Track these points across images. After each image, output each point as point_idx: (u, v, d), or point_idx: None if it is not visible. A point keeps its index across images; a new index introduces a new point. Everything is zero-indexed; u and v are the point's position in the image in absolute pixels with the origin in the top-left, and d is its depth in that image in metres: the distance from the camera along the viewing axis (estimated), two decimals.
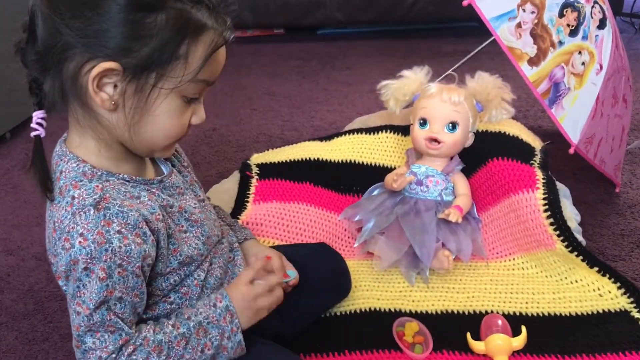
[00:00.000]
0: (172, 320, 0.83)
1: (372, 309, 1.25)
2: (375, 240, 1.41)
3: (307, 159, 1.61)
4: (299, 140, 1.74)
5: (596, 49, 1.48)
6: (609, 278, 1.28)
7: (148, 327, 0.81)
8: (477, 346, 1.14)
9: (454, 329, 1.19)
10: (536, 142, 1.51)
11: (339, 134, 1.69)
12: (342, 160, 1.61)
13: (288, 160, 1.61)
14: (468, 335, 1.16)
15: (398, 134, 1.63)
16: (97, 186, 0.74)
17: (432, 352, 1.11)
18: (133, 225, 0.74)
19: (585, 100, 1.45)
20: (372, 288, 1.31)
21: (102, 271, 0.72)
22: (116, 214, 0.73)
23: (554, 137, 1.63)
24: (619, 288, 1.25)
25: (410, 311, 1.25)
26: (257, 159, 1.65)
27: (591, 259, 1.30)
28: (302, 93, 2.70)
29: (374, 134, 1.65)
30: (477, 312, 1.25)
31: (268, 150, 1.72)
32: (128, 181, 0.79)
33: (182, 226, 0.85)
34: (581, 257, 1.30)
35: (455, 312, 1.26)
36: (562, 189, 1.45)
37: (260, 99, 2.63)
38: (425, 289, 1.31)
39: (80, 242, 0.71)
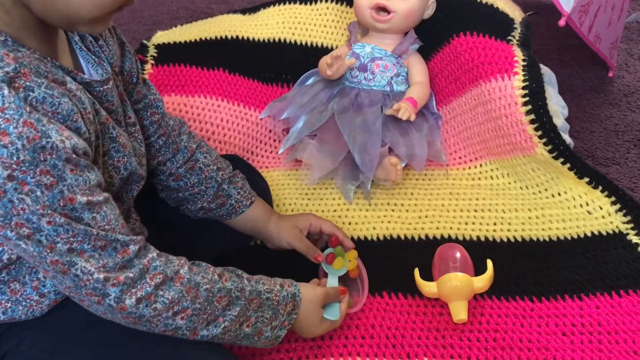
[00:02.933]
0: (219, 269, 0.72)
1: None
2: (305, 144, 1.18)
3: (223, 37, 1.35)
4: None
5: None
6: (602, 191, 1.06)
7: (181, 259, 0.68)
8: (428, 288, 0.90)
9: (399, 262, 0.97)
10: (515, 13, 1.27)
11: (266, 4, 1.44)
12: (268, 39, 1.37)
13: (197, 40, 1.33)
14: (416, 272, 0.92)
15: (342, 4, 1.39)
16: (7, 54, 0.54)
17: (368, 295, 0.91)
18: (65, 116, 0.56)
19: None
20: (300, 206, 1.12)
21: (47, 175, 0.54)
22: (42, 99, 0.55)
23: (537, 8, 1.45)
24: (612, 203, 1.05)
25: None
26: (159, 38, 1.36)
27: (581, 167, 1.07)
28: None
29: (310, 3, 1.41)
30: (431, 237, 1.04)
31: (177, 27, 1.43)
32: (46, 60, 0.60)
33: (104, 145, 0.67)
34: (568, 165, 1.06)
35: (403, 237, 1.04)
36: (547, 74, 1.20)
37: None
38: (365, 207, 1.11)
39: None
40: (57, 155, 0.55)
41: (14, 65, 0.53)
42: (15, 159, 0.52)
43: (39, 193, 0.54)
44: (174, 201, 0.89)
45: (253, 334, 0.73)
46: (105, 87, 0.67)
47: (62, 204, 0.56)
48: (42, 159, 0.54)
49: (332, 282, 0.88)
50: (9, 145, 0.51)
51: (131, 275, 0.61)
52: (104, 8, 0.58)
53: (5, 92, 0.52)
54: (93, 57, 0.69)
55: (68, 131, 0.56)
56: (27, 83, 0.54)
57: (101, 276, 0.59)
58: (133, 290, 0.62)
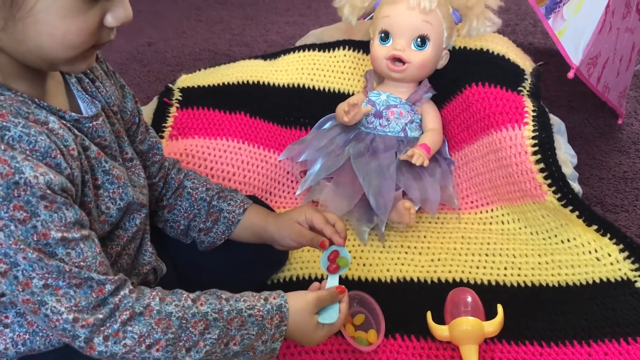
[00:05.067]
0: (195, 293, 0.70)
1: (312, 276, 1.06)
2: (322, 186, 1.21)
3: (245, 82, 1.37)
4: (248, 58, 1.51)
5: None
6: (610, 238, 1.07)
7: (153, 292, 0.67)
8: (440, 331, 0.92)
9: (412, 305, 0.99)
10: (526, 63, 1.29)
11: (286, 51, 1.46)
12: (288, 85, 1.39)
13: (220, 84, 1.36)
14: (429, 315, 0.94)
15: (359, 51, 1.41)
16: None
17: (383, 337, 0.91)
18: (43, 153, 0.58)
19: (592, 9, 1.23)
20: (314, 248, 1.07)
21: (20, 210, 0.55)
22: (19, 137, 0.56)
23: (548, 58, 1.48)
24: (621, 251, 1.06)
25: (360, 279, 1.06)
26: (183, 81, 1.39)
27: (589, 215, 1.08)
28: (259, 2, 2.45)
29: (329, 51, 1.43)
30: (443, 280, 1.05)
31: (201, 70, 1.46)
32: (30, 102, 0.62)
33: (97, 179, 0.68)
34: (577, 213, 1.08)
35: (416, 280, 1.06)
36: (557, 123, 1.22)
37: (209, 9, 2.38)
38: (380, 249, 1.12)
39: None
40: (31, 192, 0.55)
41: None
42: None
43: (12, 227, 0.55)
44: (183, 235, 0.90)
45: (246, 350, 0.71)
46: (94, 122, 0.69)
47: (35, 239, 0.56)
48: (15, 194, 0.55)
49: (332, 282, 0.83)
50: None
51: (101, 316, 0.61)
52: (75, 48, 0.60)
53: None
54: (87, 96, 0.72)
55: (45, 167, 0.57)
56: (4, 123, 0.56)
57: (70, 317, 0.59)
58: (101, 328, 0.61)
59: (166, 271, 0.85)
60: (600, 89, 1.35)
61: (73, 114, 0.66)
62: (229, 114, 1.29)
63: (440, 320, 0.93)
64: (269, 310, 0.72)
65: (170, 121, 1.25)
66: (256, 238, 0.91)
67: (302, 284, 1.03)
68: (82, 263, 0.60)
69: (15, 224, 0.55)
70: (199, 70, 1.45)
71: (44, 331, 0.67)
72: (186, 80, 1.38)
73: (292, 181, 1.29)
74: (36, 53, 0.60)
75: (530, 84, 1.20)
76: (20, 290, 0.57)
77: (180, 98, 1.30)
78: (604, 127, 1.52)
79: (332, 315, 0.77)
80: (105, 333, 0.61)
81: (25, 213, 0.56)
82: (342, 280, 1.00)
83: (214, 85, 1.34)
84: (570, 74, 1.21)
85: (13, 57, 0.60)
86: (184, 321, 0.66)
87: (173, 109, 1.28)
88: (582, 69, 1.23)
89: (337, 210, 1.14)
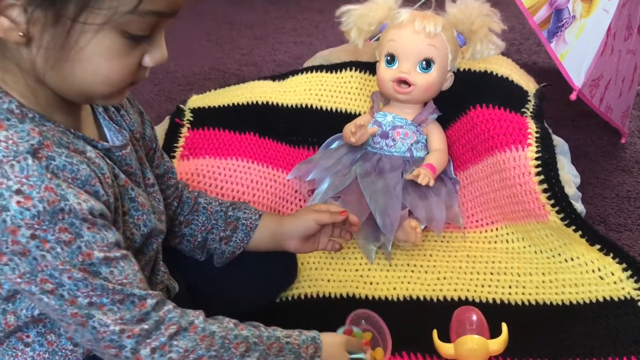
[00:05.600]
0: (235, 320, 0.73)
1: (320, 294, 1.08)
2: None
3: (254, 102, 1.39)
4: (257, 78, 1.55)
5: None
6: (613, 257, 1.08)
7: (196, 312, 0.70)
8: (445, 349, 0.94)
9: (418, 323, 1.00)
10: (530, 85, 1.31)
11: (294, 72, 1.48)
12: (296, 105, 1.41)
13: (230, 105, 1.38)
14: (434, 333, 0.96)
15: (365, 72, 1.43)
16: (33, 129, 0.60)
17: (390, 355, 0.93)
18: (84, 181, 0.61)
19: (594, 32, 1.25)
20: (322, 266, 1.15)
21: (65, 232, 0.58)
22: (63, 166, 0.59)
23: (552, 77, 1.46)
24: (624, 270, 1.06)
25: (367, 297, 1.08)
26: (194, 102, 1.42)
27: (592, 235, 1.10)
28: (267, 22, 2.46)
29: (336, 72, 1.45)
30: (449, 299, 1.07)
31: (211, 91, 1.48)
32: (68, 132, 0.65)
33: (124, 205, 0.71)
34: (580, 232, 1.09)
35: (422, 298, 1.07)
36: (560, 144, 1.23)
37: (218, 29, 2.40)
38: (386, 267, 1.14)
39: (18, 202, 0.56)
40: (75, 215, 0.58)
41: (38, 138, 0.59)
42: (36, 219, 0.57)
43: (59, 249, 0.58)
44: (199, 249, 0.93)
45: None
46: (123, 151, 0.72)
47: (80, 259, 0.59)
48: (60, 217, 0.58)
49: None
50: (32, 207, 0.56)
51: (146, 327, 0.63)
52: (114, 85, 0.63)
53: (30, 161, 0.57)
54: (114, 125, 0.75)
55: (86, 195, 0.60)
56: (49, 153, 0.59)
57: (117, 328, 0.62)
58: (148, 340, 0.63)
59: (178, 290, 0.87)
60: (603, 110, 1.37)
61: (105, 143, 0.70)
62: (238, 134, 1.32)
63: (445, 338, 0.95)
64: (304, 340, 0.76)
65: (181, 141, 1.28)
66: (272, 242, 0.94)
67: (310, 302, 1.05)
68: (124, 280, 0.63)
69: (62, 246, 0.58)
70: (209, 90, 1.47)
71: (63, 350, 0.69)
72: (197, 100, 1.41)
73: (300, 200, 1.30)
74: (78, 89, 0.63)
75: (533, 105, 1.22)
76: (68, 304, 0.60)
77: (191, 118, 1.33)
78: (608, 146, 1.52)
79: (362, 355, 0.84)
80: (152, 345, 0.64)
81: (70, 235, 0.59)
82: (350, 299, 1.03)
83: (224, 105, 1.37)
84: (573, 96, 1.23)
85: (55, 91, 0.63)
86: (227, 341, 0.68)
87: (184, 129, 1.30)
88: (585, 91, 1.25)
89: None
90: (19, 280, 0.58)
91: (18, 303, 0.66)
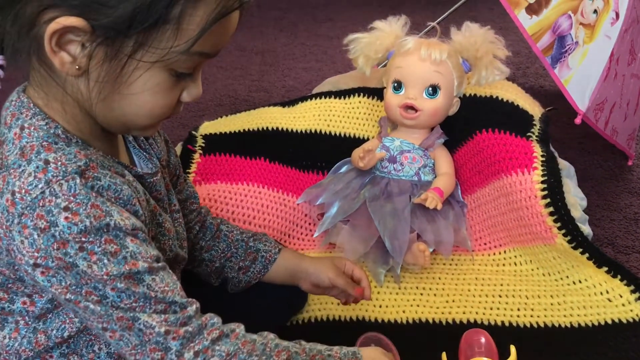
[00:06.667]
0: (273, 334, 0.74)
1: (330, 318, 1.09)
2: (339, 229, 1.23)
3: (264, 128, 1.41)
4: (267, 103, 1.57)
5: None
6: (621, 279, 1.08)
7: (236, 323, 0.71)
8: None
9: (427, 346, 1.00)
10: (535, 109, 1.32)
11: (304, 98, 1.50)
12: (305, 130, 1.42)
13: (240, 131, 1.40)
14: (444, 356, 0.96)
15: (373, 98, 1.44)
16: (79, 152, 0.63)
17: None
18: (126, 201, 0.64)
19: (597, 58, 1.28)
20: (336, 299, 1.11)
21: (111, 243, 0.61)
22: (107, 187, 0.63)
23: (558, 100, 1.43)
24: (632, 292, 1.07)
25: (377, 320, 1.09)
26: (206, 128, 1.44)
27: (599, 257, 1.10)
28: (277, 48, 2.50)
29: (344, 98, 1.46)
30: (458, 322, 1.07)
31: (222, 117, 1.51)
32: (107, 157, 0.68)
33: (152, 230, 0.73)
34: (587, 255, 1.10)
35: (431, 321, 1.08)
36: (566, 168, 1.25)
37: (228, 55, 2.42)
38: (395, 290, 1.15)
39: (67, 218, 0.59)
40: (119, 229, 0.61)
41: (84, 160, 0.62)
42: (84, 233, 0.59)
43: (105, 260, 0.60)
44: (215, 274, 0.94)
45: None
46: (154, 178, 0.75)
47: (127, 269, 0.61)
48: (106, 231, 0.60)
49: None
50: (79, 223, 0.59)
51: (190, 329, 0.65)
52: (155, 118, 0.67)
53: (78, 181, 0.60)
54: (144, 153, 0.78)
55: (127, 213, 0.63)
56: (95, 174, 0.62)
57: (162, 329, 0.63)
58: (191, 344, 0.65)
59: None
60: (609, 133, 1.38)
61: (137, 169, 0.73)
62: (249, 160, 1.34)
63: None
64: (345, 354, 0.76)
65: (193, 167, 1.30)
66: (287, 277, 0.96)
67: (321, 325, 1.06)
68: (165, 288, 0.65)
69: (108, 257, 0.61)
70: (221, 116, 1.49)
71: None
72: (208, 127, 1.43)
73: (310, 224, 1.32)
74: (121, 120, 0.66)
75: (539, 129, 1.23)
76: (115, 309, 0.62)
77: (203, 145, 1.35)
78: (614, 169, 1.52)
79: None
80: (196, 349, 0.65)
81: (115, 246, 0.61)
82: (359, 322, 1.03)
83: (234, 132, 1.39)
84: (578, 120, 1.25)
85: (98, 121, 0.67)
86: (268, 349, 0.70)
87: (196, 155, 1.32)
88: (589, 115, 1.26)
89: (354, 253, 1.17)
90: (64, 291, 0.61)
91: (49, 322, 0.68)
